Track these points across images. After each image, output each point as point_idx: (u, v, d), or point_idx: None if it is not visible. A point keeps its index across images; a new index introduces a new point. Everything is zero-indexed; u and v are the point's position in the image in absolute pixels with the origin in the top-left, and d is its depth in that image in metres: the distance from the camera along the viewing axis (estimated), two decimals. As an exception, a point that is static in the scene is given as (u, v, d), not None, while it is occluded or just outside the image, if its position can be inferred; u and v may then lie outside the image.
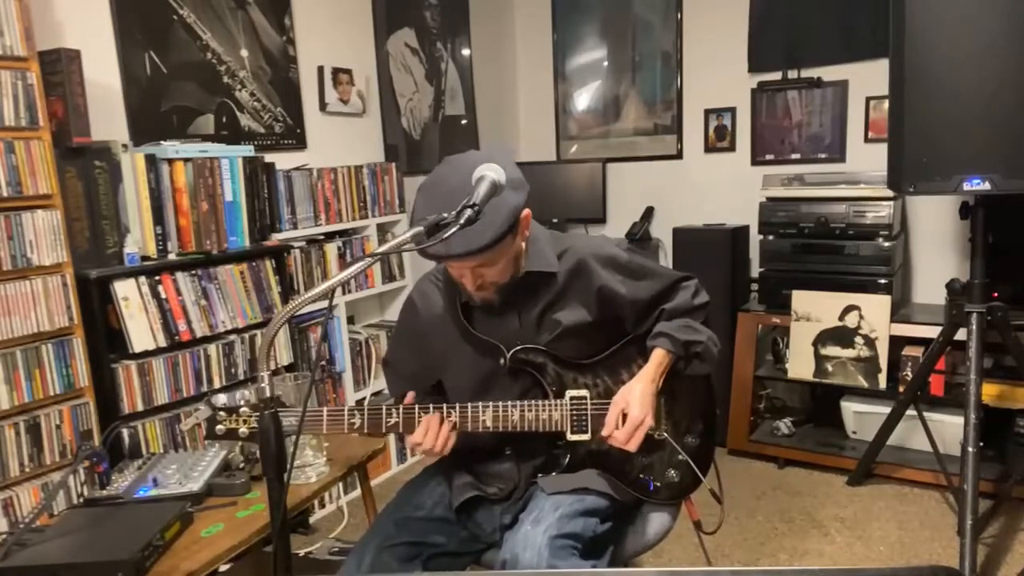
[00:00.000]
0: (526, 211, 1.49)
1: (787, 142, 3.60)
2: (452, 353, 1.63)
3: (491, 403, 1.52)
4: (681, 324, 1.60)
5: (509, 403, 1.52)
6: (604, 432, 1.52)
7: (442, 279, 1.66)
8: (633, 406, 1.51)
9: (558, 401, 1.55)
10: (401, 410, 1.52)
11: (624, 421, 1.51)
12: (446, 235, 1.19)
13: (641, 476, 1.60)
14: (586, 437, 1.56)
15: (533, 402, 1.54)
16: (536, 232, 1.59)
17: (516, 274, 1.53)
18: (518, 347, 1.55)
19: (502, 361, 1.56)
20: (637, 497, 1.62)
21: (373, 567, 1.48)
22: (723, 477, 1.73)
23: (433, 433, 1.49)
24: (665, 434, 1.60)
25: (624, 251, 1.64)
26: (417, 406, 1.52)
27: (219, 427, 1.48)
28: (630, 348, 1.63)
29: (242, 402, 1.52)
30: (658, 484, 1.61)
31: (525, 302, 1.58)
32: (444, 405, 1.53)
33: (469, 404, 1.52)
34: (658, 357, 1.58)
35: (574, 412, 1.55)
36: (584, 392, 1.57)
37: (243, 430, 1.49)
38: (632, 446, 1.51)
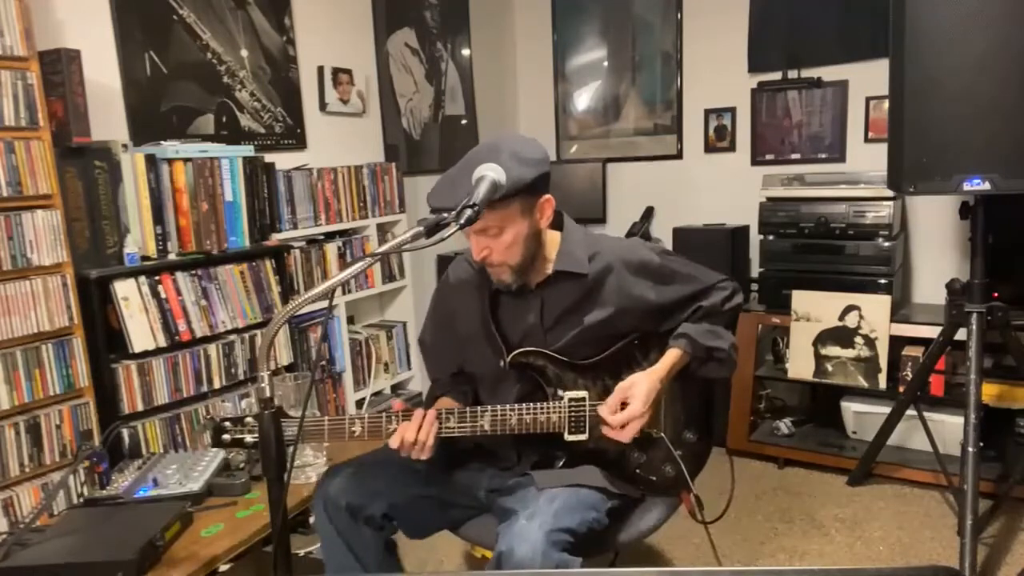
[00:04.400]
0: (546, 197, 1.53)
1: (787, 142, 3.59)
2: (471, 340, 1.67)
3: (488, 407, 1.54)
4: (706, 329, 1.63)
5: (507, 407, 1.54)
6: (601, 412, 1.53)
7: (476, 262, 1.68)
8: (635, 399, 1.51)
9: (556, 403, 1.56)
10: (400, 416, 1.53)
11: (623, 409, 1.52)
12: (446, 235, 1.19)
13: (637, 471, 1.61)
14: (583, 437, 1.57)
15: (530, 405, 1.55)
16: (571, 231, 1.63)
17: (530, 260, 1.55)
18: (517, 350, 1.57)
19: (502, 363, 1.59)
20: (632, 491, 1.63)
21: (344, 486, 1.56)
22: (723, 477, 1.73)
23: (414, 429, 1.49)
24: (663, 434, 1.61)
25: (657, 255, 1.66)
26: (414, 410, 1.53)
27: (224, 436, 1.50)
28: (630, 347, 1.64)
29: (248, 411, 1.54)
30: (653, 479, 1.62)
31: (550, 299, 1.60)
32: (443, 410, 1.54)
33: (467, 409, 1.54)
34: (673, 356, 1.60)
35: (572, 413, 1.56)
36: (583, 393, 1.57)
37: (248, 439, 1.51)
38: (624, 437, 1.52)
